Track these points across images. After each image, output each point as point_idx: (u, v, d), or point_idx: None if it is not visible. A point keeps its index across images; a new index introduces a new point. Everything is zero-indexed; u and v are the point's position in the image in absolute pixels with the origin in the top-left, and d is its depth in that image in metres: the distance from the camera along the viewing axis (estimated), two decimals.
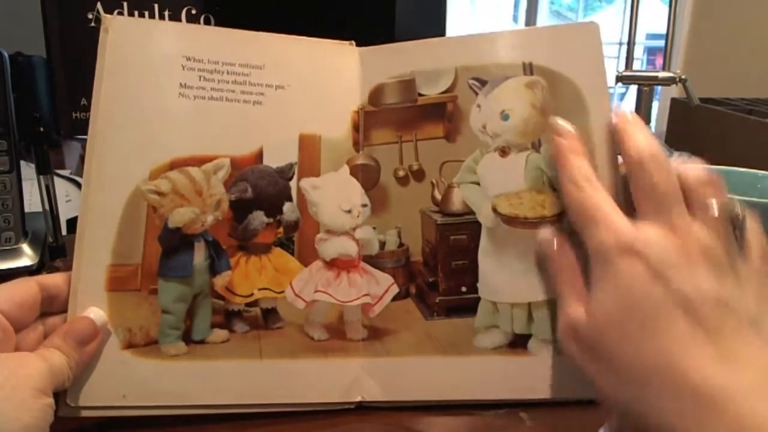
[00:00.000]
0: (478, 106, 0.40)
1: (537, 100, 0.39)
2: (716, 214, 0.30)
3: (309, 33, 0.41)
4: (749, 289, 0.29)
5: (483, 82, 0.40)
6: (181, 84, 0.38)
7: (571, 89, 0.39)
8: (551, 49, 0.40)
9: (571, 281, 0.34)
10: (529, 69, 0.40)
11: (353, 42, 0.41)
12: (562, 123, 0.37)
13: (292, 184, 0.40)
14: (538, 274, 0.39)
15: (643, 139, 0.33)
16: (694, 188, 0.31)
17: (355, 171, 0.40)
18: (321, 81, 0.40)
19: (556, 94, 0.39)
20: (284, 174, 0.40)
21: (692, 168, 0.33)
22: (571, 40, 0.40)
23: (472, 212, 0.40)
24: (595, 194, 0.33)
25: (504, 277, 0.39)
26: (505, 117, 0.39)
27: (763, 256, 0.31)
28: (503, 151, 0.40)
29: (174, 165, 0.38)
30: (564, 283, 0.34)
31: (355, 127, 0.40)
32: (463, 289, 0.40)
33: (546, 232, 0.36)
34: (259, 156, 0.39)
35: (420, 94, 0.41)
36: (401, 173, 0.41)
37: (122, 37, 0.38)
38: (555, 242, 0.36)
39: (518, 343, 0.39)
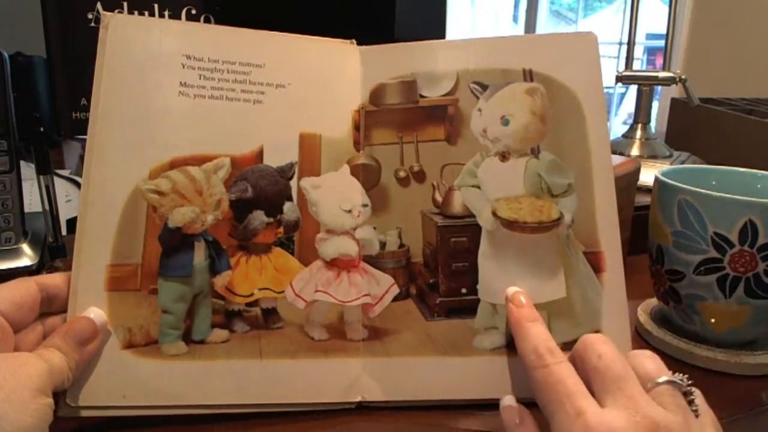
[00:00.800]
0: (479, 110, 0.40)
1: (537, 107, 0.40)
2: (672, 391, 0.30)
3: (308, 33, 0.41)
4: None
5: (484, 87, 0.40)
6: (181, 82, 0.38)
7: (568, 97, 0.40)
8: (551, 56, 0.41)
9: None
10: (529, 75, 0.40)
11: (354, 41, 0.41)
12: (515, 292, 0.37)
13: (293, 183, 0.40)
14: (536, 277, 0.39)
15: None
16: (638, 369, 0.32)
17: (355, 171, 0.40)
18: (322, 80, 0.40)
19: (555, 102, 0.40)
20: (285, 173, 0.40)
21: (633, 353, 0.33)
22: (569, 49, 0.41)
23: (472, 215, 0.40)
24: (557, 366, 0.32)
25: (503, 280, 0.39)
26: (505, 122, 0.40)
27: (713, 422, 0.31)
28: (503, 156, 0.40)
29: (174, 164, 0.38)
30: None
31: (356, 127, 0.40)
32: (464, 290, 0.40)
33: (509, 400, 0.35)
34: (259, 155, 0.39)
35: (421, 96, 0.41)
36: (402, 174, 0.41)
37: (122, 35, 0.38)
38: (517, 415, 0.34)
39: None
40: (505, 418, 0.34)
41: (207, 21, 0.62)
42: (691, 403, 0.31)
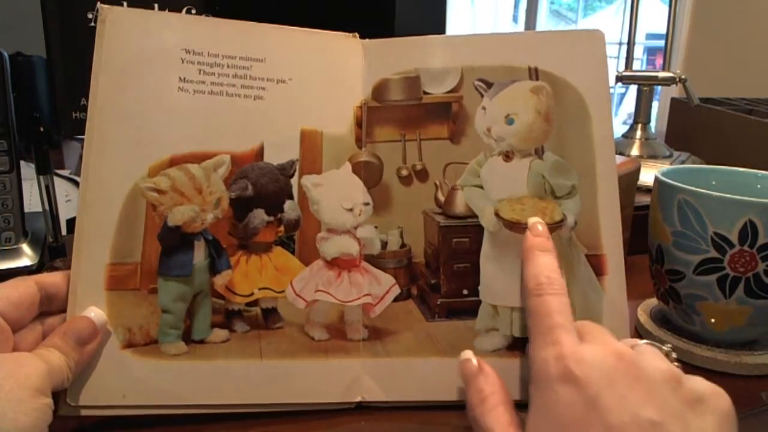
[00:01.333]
0: (484, 108, 0.40)
1: (542, 106, 0.39)
2: (651, 347, 0.32)
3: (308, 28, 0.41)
4: (690, 411, 0.28)
5: (489, 84, 0.40)
6: (180, 78, 0.38)
7: (574, 96, 0.40)
8: (556, 54, 0.40)
9: (501, 408, 0.32)
10: (534, 74, 0.40)
11: (357, 34, 0.41)
12: (536, 221, 0.37)
13: (293, 181, 0.40)
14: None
15: None
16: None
17: (357, 168, 0.40)
18: (323, 75, 0.40)
19: (560, 101, 0.40)
20: (285, 171, 0.39)
21: None
22: (576, 47, 0.40)
23: (474, 215, 0.40)
24: (551, 297, 0.33)
25: (505, 281, 0.39)
26: (509, 121, 0.39)
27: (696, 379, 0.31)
28: (507, 156, 0.40)
29: (173, 162, 0.38)
30: (490, 411, 0.32)
31: (358, 123, 0.40)
32: (465, 291, 0.40)
33: (467, 354, 0.35)
34: (259, 152, 0.39)
35: (425, 93, 0.41)
36: (404, 172, 0.41)
37: (120, 29, 0.37)
38: (476, 365, 0.34)
39: (517, 345, 0.39)
40: (464, 370, 0.34)
41: None
42: (668, 355, 0.32)
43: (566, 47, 0.40)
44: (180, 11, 0.63)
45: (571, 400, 0.28)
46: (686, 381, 0.29)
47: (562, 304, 0.32)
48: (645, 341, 0.33)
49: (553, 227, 0.39)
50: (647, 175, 0.63)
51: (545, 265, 0.34)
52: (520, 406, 0.34)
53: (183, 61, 0.38)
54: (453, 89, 0.40)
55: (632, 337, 0.49)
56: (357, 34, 0.41)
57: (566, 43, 0.40)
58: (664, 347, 0.33)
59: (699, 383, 0.30)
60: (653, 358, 0.30)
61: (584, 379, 0.28)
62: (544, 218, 0.39)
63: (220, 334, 0.38)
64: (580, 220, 0.40)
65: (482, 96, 0.40)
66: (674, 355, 0.33)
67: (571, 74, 0.40)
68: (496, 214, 0.39)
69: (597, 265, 0.40)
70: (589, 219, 0.40)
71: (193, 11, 0.65)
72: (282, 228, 0.40)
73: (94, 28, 0.38)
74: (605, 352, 0.29)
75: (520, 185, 0.40)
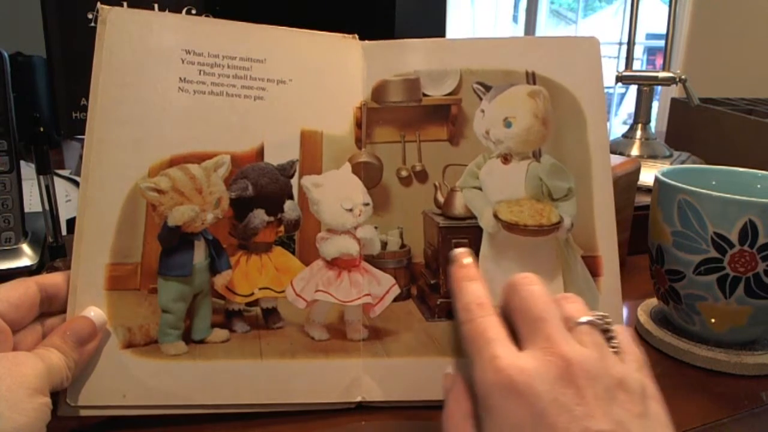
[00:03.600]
0: (482, 111, 0.41)
1: (539, 109, 0.40)
2: (590, 330, 0.30)
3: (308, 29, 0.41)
4: (633, 410, 0.28)
5: (487, 87, 0.40)
6: (180, 78, 0.38)
7: (570, 101, 0.41)
8: (553, 60, 0.41)
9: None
10: (532, 78, 0.40)
11: (356, 35, 0.41)
12: (460, 251, 0.36)
13: (293, 181, 0.40)
14: None
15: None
16: (563, 310, 0.32)
17: (357, 169, 0.40)
18: (323, 75, 0.40)
19: (557, 105, 0.41)
20: (285, 171, 0.39)
21: (559, 296, 0.33)
22: (572, 53, 0.41)
23: (473, 217, 0.40)
24: (482, 319, 0.31)
25: (503, 282, 0.39)
26: (507, 124, 0.40)
27: (637, 359, 0.31)
28: (505, 158, 0.40)
29: (173, 162, 0.38)
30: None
31: (358, 124, 0.40)
32: None
33: (448, 369, 0.34)
34: (260, 152, 0.39)
35: (424, 94, 0.41)
36: (404, 173, 0.41)
37: (120, 30, 0.37)
38: (451, 381, 0.33)
39: None
40: (444, 384, 0.34)
41: None
42: (610, 340, 0.31)
43: (563, 53, 0.41)
44: (180, 12, 0.63)
45: (516, 416, 0.27)
46: (627, 383, 0.29)
47: (493, 323, 0.31)
48: (585, 318, 0.31)
49: (550, 229, 0.40)
50: (647, 175, 0.63)
51: (474, 293, 0.33)
52: None
53: (183, 62, 0.38)
54: (452, 92, 0.41)
55: (632, 337, 0.50)
56: (356, 36, 0.41)
57: (563, 49, 0.41)
58: (599, 320, 0.31)
59: (637, 384, 0.29)
60: (598, 355, 0.29)
61: (528, 390, 0.27)
62: (541, 220, 0.39)
63: (220, 334, 0.38)
64: (577, 222, 0.40)
65: (481, 99, 0.41)
66: (611, 333, 0.31)
67: (567, 79, 0.41)
68: (495, 216, 0.40)
69: (593, 266, 0.40)
70: (585, 221, 0.40)
71: (194, 12, 0.65)
72: (282, 228, 0.40)
73: (94, 28, 0.38)
74: (547, 359, 0.28)
75: (518, 187, 0.40)
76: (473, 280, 0.34)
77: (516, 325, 0.31)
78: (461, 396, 0.31)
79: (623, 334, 0.32)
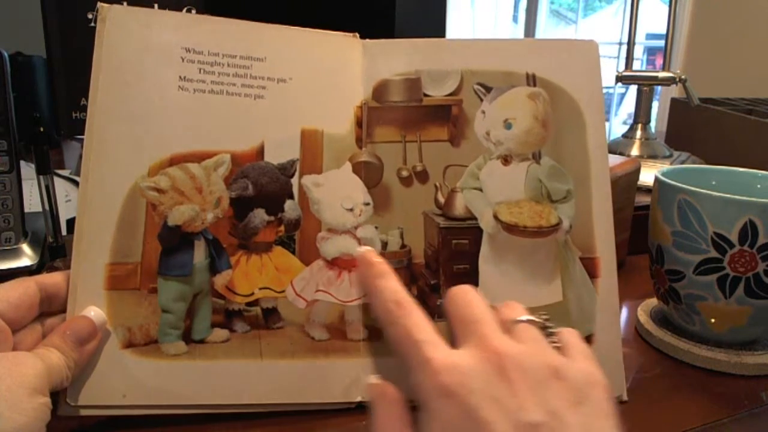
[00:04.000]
0: (483, 112, 0.41)
1: (539, 111, 0.40)
2: (528, 327, 0.31)
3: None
4: (569, 398, 0.28)
5: (488, 89, 0.41)
6: (180, 77, 0.38)
7: (570, 103, 0.41)
8: (553, 62, 0.41)
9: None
10: (532, 80, 0.41)
11: (357, 34, 0.41)
12: (363, 251, 0.35)
13: (294, 181, 0.40)
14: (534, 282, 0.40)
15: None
16: (501, 315, 0.32)
17: (357, 168, 0.40)
18: (324, 74, 0.40)
19: (556, 107, 0.41)
20: (286, 171, 0.39)
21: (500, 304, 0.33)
22: (572, 56, 0.41)
23: (474, 217, 0.41)
24: (405, 320, 0.31)
25: (502, 283, 0.40)
26: (508, 126, 0.40)
27: (582, 352, 0.31)
28: (506, 160, 0.41)
29: (173, 161, 0.38)
30: None
31: (358, 123, 0.40)
32: None
33: (373, 379, 0.33)
34: (260, 152, 0.39)
35: (425, 95, 0.41)
36: (405, 173, 0.41)
37: (119, 28, 0.37)
38: (379, 389, 0.32)
39: None
40: (369, 394, 0.33)
41: None
42: (550, 336, 0.31)
43: (563, 56, 0.41)
44: (180, 10, 0.63)
45: (450, 415, 0.27)
46: (564, 373, 0.28)
47: (418, 321, 0.31)
48: (525, 317, 0.31)
49: (549, 230, 0.40)
50: (647, 175, 0.63)
51: (388, 290, 0.33)
52: None
53: (183, 60, 0.38)
54: (453, 92, 0.41)
55: (632, 337, 0.50)
56: (357, 34, 0.41)
57: (563, 52, 0.41)
58: (539, 319, 0.32)
59: (575, 374, 0.29)
60: (533, 349, 0.29)
61: (460, 389, 0.27)
62: (540, 221, 0.40)
63: (221, 333, 0.38)
64: (575, 224, 0.41)
65: (481, 100, 0.41)
66: (551, 329, 0.32)
67: (567, 82, 0.41)
68: (495, 217, 0.40)
69: (591, 267, 0.41)
70: (584, 223, 0.41)
71: (194, 11, 0.65)
72: (282, 228, 0.40)
73: (94, 28, 0.38)
74: (480, 356, 0.28)
75: (518, 189, 0.41)
76: (384, 276, 0.33)
77: (453, 330, 0.31)
78: (392, 401, 0.31)
79: (569, 333, 0.32)
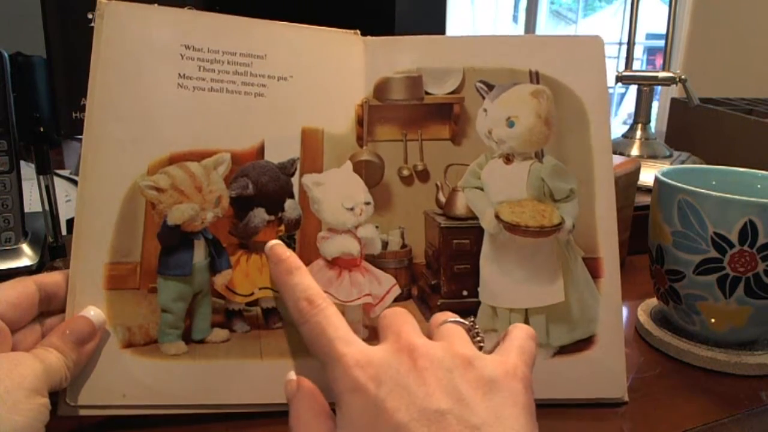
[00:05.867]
0: (485, 110, 0.40)
1: (542, 109, 0.40)
2: (452, 326, 0.31)
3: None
4: (479, 387, 0.28)
5: (490, 86, 0.40)
6: (179, 74, 0.37)
7: (574, 101, 0.40)
8: (557, 59, 0.40)
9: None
10: (535, 77, 0.40)
11: (358, 31, 0.40)
12: (272, 245, 0.36)
13: (294, 180, 0.39)
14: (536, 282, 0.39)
15: None
16: (432, 322, 0.33)
17: (358, 167, 0.40)
18: (325, 72, 0.40)
19: (560, 105, 0.40)
20: (286, 170, 0.39)
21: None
22: (576, 53, 0.41)
23: (475, 217, 0.40)
24: (317, 318, 0.31)
25: (504, 283, 0.40)
26: (510, 124, 0.40)
27: (520, 348, 0.31)
28: (507, 159, 0.40)
29: (173, 160, 0.37)
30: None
31: (359, 122, 0.40)
32: (465, 293, 0.40)
33: (290, 375, 0.34)
34: (260, 150, 0.39)
35: (427, 93, 0.41)
36: (405, 172, 0.41)
37: (118, 24, 0.37)
38: (295, 385, 0.33)
39: None
40: (286, 390, 0.33)
41: None
42: (475, 336, 0.32)
43: (567, 52, 0.41)
44: (181, 8, 0.63)
45: (359, 407, 0.27)
46: (478, 363, 0.29)
47: (330, 318, 0.31)
48: (451, 320, 0.32)
49: (552, 230, 0.39)
50: (647, 175, 0.63)
51: (299, 287, 0.33)
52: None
53: (182, 57, 0.37)
54: (455, 90, 0.41)
55: (632, 337, 0.50)
56: (359, 31, 0.41)
57: (567, 49, 0.41)
58: (466, 321, 0.32)
59: (490, 365, 0.29)
60: (450, 341, 0.30)
61: (370, 382, 0.28)
62: (542, 221, 0.39)
63: (220, 333, 0.38)
64: (578, 224, 0.40)
65: (483, 98, 0.40)
66: (477, 330, 0.32)
67: (571, 79, 0.40)
68: (497, 217, 0.40)
69: (593, 267, 0.40)
70: (587, 222, 0.40)
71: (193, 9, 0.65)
72: (282, 227, 0.40)
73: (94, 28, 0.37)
74: (392, 349, 0.29)
75: (520, 188, 0.40)
76: (295, 272, 0.34)
77: (379, 338, 0.32)
78: (310, 398, 0.32)
79: (519, 329, 0.33)
